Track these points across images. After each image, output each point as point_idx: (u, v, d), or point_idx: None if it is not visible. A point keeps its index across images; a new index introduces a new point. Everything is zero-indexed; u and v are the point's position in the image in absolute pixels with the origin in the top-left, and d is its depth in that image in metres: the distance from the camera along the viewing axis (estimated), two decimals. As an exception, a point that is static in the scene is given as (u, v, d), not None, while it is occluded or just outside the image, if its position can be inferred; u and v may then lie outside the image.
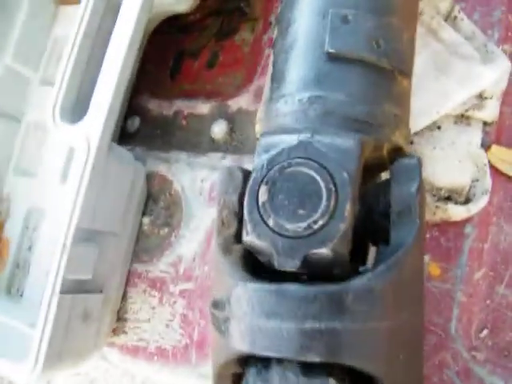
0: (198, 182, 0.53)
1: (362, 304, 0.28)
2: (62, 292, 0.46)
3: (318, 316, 0.28)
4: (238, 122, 0.54)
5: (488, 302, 0.44)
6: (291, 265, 0.29)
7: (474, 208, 0.43)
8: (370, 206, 0.33)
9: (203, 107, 0.57)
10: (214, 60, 0.60)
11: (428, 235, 0.46)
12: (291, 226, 0.29)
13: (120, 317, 0.54)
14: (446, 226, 0.45)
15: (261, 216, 0.30)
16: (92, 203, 0.47)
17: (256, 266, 0.32)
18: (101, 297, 0.50)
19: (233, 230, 0.34)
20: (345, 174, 0.30)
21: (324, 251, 0.29)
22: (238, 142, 0.54)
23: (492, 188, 0.44)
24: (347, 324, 0.28)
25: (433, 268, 0.45)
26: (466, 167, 0.43)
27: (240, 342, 0.30)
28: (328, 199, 0.29)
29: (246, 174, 0.35)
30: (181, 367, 0.50)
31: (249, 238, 0.31)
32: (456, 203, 0.43)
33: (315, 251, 0.29)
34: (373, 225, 0.33)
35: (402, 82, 0.36)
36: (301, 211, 0.30)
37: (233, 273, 0.31)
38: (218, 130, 0.54)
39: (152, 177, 0.55)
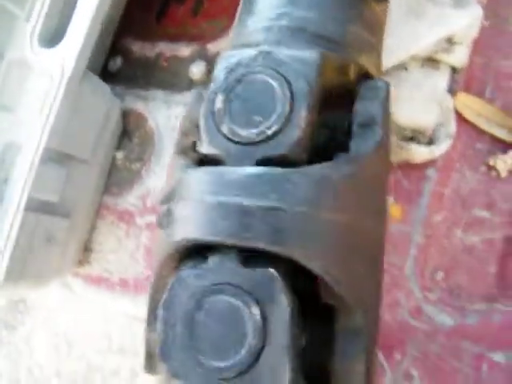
0: (173, 119, 0.53)
1: (315, 190, 0.27)
2: (27, 209, 0.45)
3: (264, 194, 0.26)
4: (216, 64, 0.54)
5: (445, 244, 0.44)
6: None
7: (437, 150, 0.43)
8: (334, 126, 0.32)
9: (185, 50, 0.57)
10: (198, 7, 0.59)
11: (391, 178, 0.46)
12: (244, 132, 0.29)
13: (87, 247, 0.54)
14: (408, 168, 0.45)
15: (215, 123, 0.30)
16: (62, 125, 0.46)
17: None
18: (66, 222, 0.50)
19: (192, 139, 0.34)
20: (302, 82, 0.29)
21: (277, 156, 0.28)
22: (215, 84, 0.54)
23: (457, 134, 0.44)
24: (295, 206, 0.26)
25: (394, 209, 0.45)
26: (430, 109, 0.43)
27: (180, 230, 0.28)
28: (283, 105, 0.28)
29: None
30: (141, 297, 0.50)
31: (203, 146, 0.30)
32: (419, 144, 0.43)
33: (265, 157, 0.28)
34: (337, 144, 0.32)
35: (374, 7, 0.35)
36: (255, 117, 0.29)
37: (184, 166, 0.31)
38: (197, 70, 0.54)
39: (129, 114, 0.55)
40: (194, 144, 0.34)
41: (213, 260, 0.27)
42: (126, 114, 0.55)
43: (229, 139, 0.29)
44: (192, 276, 0.27)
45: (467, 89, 0.46)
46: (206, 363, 0.26)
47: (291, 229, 0.26)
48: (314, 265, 0.26)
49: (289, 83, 0.29)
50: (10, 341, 1.08)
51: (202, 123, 0.30)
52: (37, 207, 0.46)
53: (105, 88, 0.52)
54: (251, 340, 0.25)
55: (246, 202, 0.26)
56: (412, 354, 0.42)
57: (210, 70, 0.54)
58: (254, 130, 0.29)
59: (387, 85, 0.32)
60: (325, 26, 0.32)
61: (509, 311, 0.41)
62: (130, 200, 0.52)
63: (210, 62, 0.54)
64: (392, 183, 0.45)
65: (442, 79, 0.44)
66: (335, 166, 0.28)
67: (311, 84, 0.29)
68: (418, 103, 0.43)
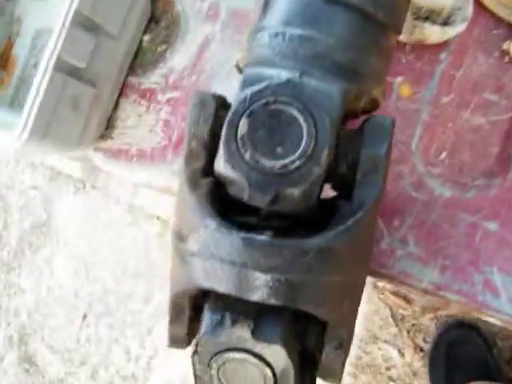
0: (198, 2, 0.53)
1: (320, 260, 0.29)
2: (56, 69, 0.47)
3: (281, 269, 0.28)
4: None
5: (451, 124, 0.44)
6: (262, 200, 0.29)
7: (451, 32, 0.43)
8: (338, 156, 0.32)
9: None
10: None
11: (404, 60, 0.46)
12: (267, 163, 0.29)
13: (110, 124, 0.55)
14: (422, 50, 0.45)
15: (238, 148, 0.30)
16: (92, -8, 0.48)
17: (222, 202, 0.32)
18: (92, 91, 0.51)
19: (201, 162, 0.33)
20: (327, 119, 0.29)
21: (295, 192, 0.29)
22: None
23: (473, 19, 0.44)
24: (305, 277, 0.29)
25: (404, 89, 0.46)
26: (449, -11, 0.43)
27: (203, 279, 0.30)
28: (308, 142, 0.29)
29: (219, 103, 0.33)
30: (157, 165, 0.51)
31: (223, 168, 0.30)
32: (434, 24, 0.43)
33: (287, 190, 0.29)
34: (338, 175, 0.33)
35: (391, 37, 0.34)
36: (279, 149, 0.29)
37: (199, 210, 0.31)
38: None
39: (157, 0, 0.56)
40: (205, 166, 0.33)
41: (230, 312, 0.31)
42: (154, 1, 0.56)
43: (250, 166, 0.29)
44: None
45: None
46: None
47: (302, 293, 0.29)
48: (318, 313, 0.31)
49: (314, 120, 0.29)
50: (34, 261, 1.13)
51: (222, 146, 0.30)
52: (65, 69, 0.48)
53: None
54: None
55: (268, 275, 0.29)
56: (410, 222, 0.43)
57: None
58: (278, 162, 0.29)
59: (393, 123, 0.32)
60: (346, 55, 0.32)
61: (507, 186, 0.42)
62: (152, 79, 0.54)
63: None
64: (403, 64, 0.45)
65: (463, -39, 0.43)
66: (338, 235, 0.30)
67: (333, 121, 0.30)
68: (437, -18, 0.43)
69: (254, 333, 0.30)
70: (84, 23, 0.48)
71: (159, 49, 0.55)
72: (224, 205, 0.32)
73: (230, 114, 0.30)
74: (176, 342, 0.36)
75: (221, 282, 0.30)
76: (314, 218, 0.33)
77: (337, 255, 0.30)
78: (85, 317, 1.11)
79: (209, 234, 0.30)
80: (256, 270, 0.29)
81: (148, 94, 0.54)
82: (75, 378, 1.09)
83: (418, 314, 0.93)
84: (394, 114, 0.45)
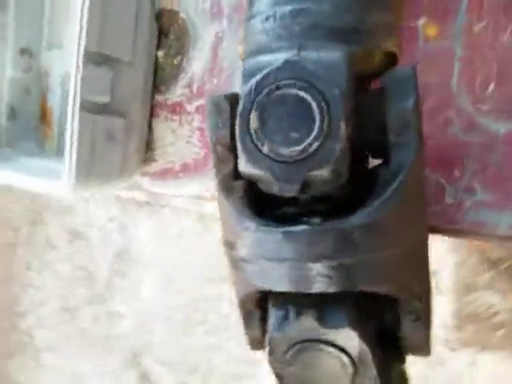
0: (200, 4, 0.52)
1: (369, 237, 0.28)
2: (82, 110, 0.48)
3: (330, 255, 0.27)
4: None
5: (491, 53, 0.40)
6: (291, 189, 0.28)
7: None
8: (363, 121, 0.30)
9: None
10: None
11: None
12: (286, 151, 0.27)
13: (149, 147, 0.56)
14: (441, -17, 0.41)
15: (254, 144, 0.28)
16: (97, 26, 0.48)
17: (261, 199, 0.31)
18: (123, 121, 0.52)
19: (231, 166, 0.33)
20: (336, 91, 0.27)
21: (323, 173, 0.27)
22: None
23: None
24: (357, 257, 0.28)
25: (430, 29, 0.42)
26: None
27: (257, 280, 0.30)
28: (321, 119, 0.27)
29: (233, 102, 0.32)
30: (203, 175, 0.51)
31: (245, 167, 0.29)
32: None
33: (314, 173, 0.27)
34: (368, 142, 0.31)
35: None
36: (294, 134, 0.27)
37: (237, 214, 0.30)
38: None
39: (162, 13, 0.55)
40: (234, 169, 0.32)
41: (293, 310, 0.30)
42: (159, 15, 0.55)
43: (272, 159, 0.28)
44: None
45: None
46: None
47: (359, 275, 0.29)
48: (381, 290, 0.30)
49: (322, 94, 0.27)
50: (124, 286, 1.18)
51: (239, 145, 0.29)
52: (91, 108, 0.49)
53: (131, -11, 0.52)
54: None
55: (318, 265, 0.28)
56: (471, 168, 0.40)
57: None
58: (296, 148, 0.27)
59: (414, 71, 0.29)
60: (345, 18, 0.29)
61: None
62: (177, 92, 0.53)
63: None
64: (424, 2, 0.42)
65: None
66: (382, 206, 0.28)
67: (344, 91, 0.27)
68: None
69: (319, 320, 0.29)
70: (96, 59, 0.48)
71: (175, 61, 0.54)
72: (265, 202, 0.31)
73: (238, 112, 0.29)
74: (255, 344, 0.36)
75: (276, 281, 0.29)
76: (359, 193, 0.31)
77: (384, 228, 0.28)
78: (183, 327, 1.14)
79: (251, 236, 0.29)
80: (305, 262, 0.28)
81: (177, 108, 0.53)
82: (190, 386, 1.13)
83: (514, 253, 0.87)
84: (425, 60, 0.42)
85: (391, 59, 0.33)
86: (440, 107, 0.41)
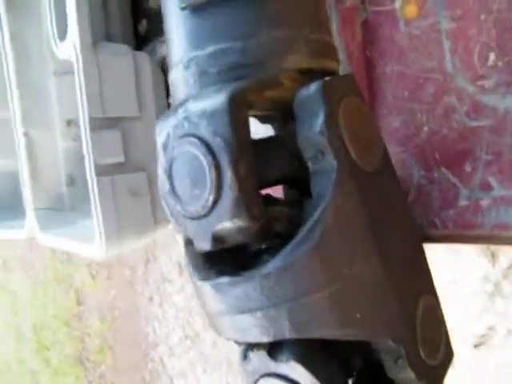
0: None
1: (287, 283, 0.25)
2: (99, 175, 0.49)
3: (253, 304, 0.26)
4: None
5: (483, 17, 0.33)
6: (204, 246, 0.26)
7: None
8: (291, 150, 0.27)
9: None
10: None
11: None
12: (192, 209, 0.26)
13: (179, 191, 0.55)
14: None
15: (169, 205, 0.28)
16: (96, 93, 0.49)
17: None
18: (143, 174, 0.52)
19: None
20: (218, 140, 0.25)
21: (228, 226, 0.25)
22: None
23: None
24: (280, 306, 0.25)
25: (409, 9, 0.36)
26: None
27: (221, 332, 0.29)
28: (210, 172, 0.25)
29: None
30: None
31: (174, 228, 0.28)
32: None
33: (218, 228, 0.25)
34: (292, 176, 0.28)
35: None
36: (195, 191, 0.26)
37: (189, 267, 0.30)
38: None
39: (165, 60, 0.55)
40: None
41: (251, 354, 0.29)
42: (163, 62, 0.55)
43: (185, 217, 0.27)
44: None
45: None
46: None
47: (291, 323, 0.25)
48: (328, 336, 0.26)
49: (208, 146, 0.25)
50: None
51: (164, 206, 0.28)
52: (108, 170, 0.49)
53: (124, 48, 0.53)
54: None
55: (246, 315, 0.26)
56: (484, 160, 0.33)
57: None
58: (198, 204, 0.26)
59: (321, 87, 0.25)
60: (227, 57, 0.27)
61: None
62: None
63: None
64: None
65: None
66: (295, 249, 0.25)
67: (228, 138, 0.25)
68: None
69: (269, 354, 0.27)
70: (102, 124, 0.49)
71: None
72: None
73: (158, 176, 0.28)
74: None
75: (223, 332, 0.28)
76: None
77: (304, 268, 0.25)
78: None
79: (197, 290, 0.28)
80: (235, 314, 0.26)
81: (192, 149, 0.52)
82: None
83: None
84: (410, 45, 0.36)
85: (310, 75, 0.27)
86: (438, 95, 0.35)
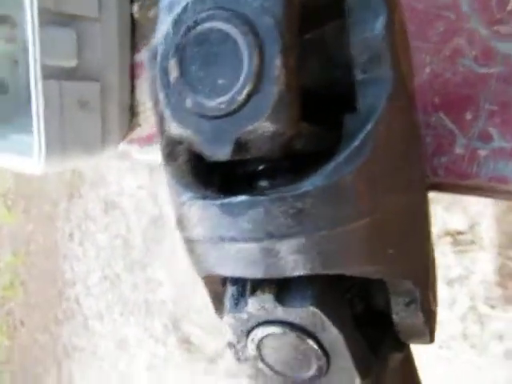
0: None
1: (327, 206, 0.21)
2: (46, 77, 0.42)
3: (277, 232, 0.21)
4: None
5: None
6: (222, 152, 0.21)
7: None
8: (328, 56, 0.23)
9: None
10: None
11: None
12: (212, 103, 0.21)
13: (133, 112, 0.49)
14: None
15: (176, 98, 0.22)
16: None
17: (208, 167, 0.25)
18: (96, 85, 0.45)
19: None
20: (267, 18, 0.20)
21: (259, 126, 0.20)
22: None
23: None
24: (312, 234, 0.21)
25: None
26: None
27: (206, 264, 0.24)
28: (250, 57, 0.20)
29: None
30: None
31: (170, 127, 0.22)
32: None
33: (248, 128, 0.20)
34: (335, 84, 0.23)
35: None
36: (220, 81, 0.21)
37: (176, 186, 0.24)
38: None
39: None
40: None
41: (250, 295, 0.24)
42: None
43: (198, 115, 0.21)
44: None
45: None
46: None
47: (318, 255, 0.21)
48: (354, 272, 0.23)
49: (251, 24, 0.20)
50: (161, 253, 1.15)
51: (162, 101, 0.22)
52: (55, 74, 0.42)
53: None
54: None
55: (263, 244, 0.21)
56: (487, 109, 0.31)
57: None
58: (223, 99, 0.20)
59: None
60: None
61: None
62: (154, 48, 0.46)
63: None
64: None
65: None
66: (341, 166, 0.21)
67: (280, 19, 0.20)
68: None
69: (278, 297, 0.23)
70: (54, 19, 0.42)
71: (151, 14, 0.47)
72: (210, 170, 0.25)
73: (157, 60, 0.22)
74: None
75: (222, 265, 0.23)
76: (324, 150, 0.24)
77: (348, 192, 0.21)
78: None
79: (187, 211, 0.23)
80: (248, 242, 0.21)
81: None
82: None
83: None
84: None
85: None
86: (447, 35, 0.32)
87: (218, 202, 0.22)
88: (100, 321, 1.27)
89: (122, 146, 0.50)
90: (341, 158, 0.21)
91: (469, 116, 0.31)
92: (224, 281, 0.28)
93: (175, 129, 0.22)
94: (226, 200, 0.22)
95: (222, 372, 1.10)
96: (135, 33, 0.48)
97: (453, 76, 0.32)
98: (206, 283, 0.28)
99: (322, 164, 0.21)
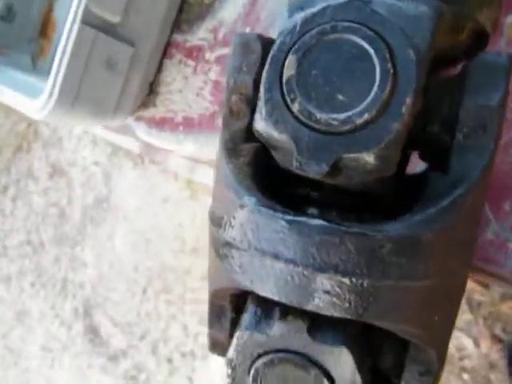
0: None
1: (401, 257, 0.20)
2: (84, 22, 0.38)
3: (344, 267, 0.20)
4: None
5: None
6: (316, 169, 0.20)
7: None
8: (428, 109, 0.22)
9: None
10: None
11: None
12: (324, 116, 0.19)
13: (153, 90, 0.46)
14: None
15: (283, 96, 0.20)
16: None
17: (270, 175, 0.23)
18: (130, 50, 0.42)
19: (244, 122, 0.24)
20: (411, 52, 0.19)
21: (364, 157, 0.19)
22: None
23: None
24: (379, 280, 0.20)
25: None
26: None
27: (240, 275, 0.22)
28: (382, 84, 0.19)
29: (267, 45, 0.23)
30: (205, 134, 0.42)
31: (262, 125, 0.21)
32: None
33: (352, 155, 0.19)
34: (427, 136, 0.23)
35: None
36: (341, 97, 0.19)
37: (237, 186, 0.22)
38: None
39: None
40: (247, 127, 0.24)
41: (278, 320, 0.22)
42: None
43: (300, 121, 0.20)
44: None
45: None
46: None
47: (372, 303, 0.20)
48: (395, 329, 0.21)
49: (391, 52, 0.19)
50: (96, 235, 1.09)
51: (262, 93, 0.21)
52: (96, 23, 0.39)
53: None
54: None
55: (324, 274, 0.20)
56: (527, 205, 0.31)
57: None
58: (338, 116, 0.19)
59: (510, 59, 0.21)
60: None
61: None
62: (200, 35, 0.44)
63: None
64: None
65: None
66: (429, 221, 0.20)
67: (422, 54, 0.19)
68: None
69: (310, 330, 0.21)
70: (116, -33, 0.39)
71: (207, 0, 0.44)
72: (277, 179, 0.23)
73: (272, 50, 0.21)
74: (217, 347, 0.28)
75: (262, 282, 0.21)
76: (391, 200, 0.23)
77: (426, 249, 0.20)
78: (144, 292, 1.06)
79: (247, 216, 0.21)
80: (308, 268, 0.20)
81: (195, 53, 0.44)
82: (137, 351, 1.05)
83: (496, 301, 0.79)
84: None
85: (479, 40, 0.25)
86: (509, 124, 0.32)
87: (288, 217, 0.20)
88: (6, 284, 1.17)
89: (127, 121, 0.46)
90: (426, 213, 0.20)
91: (507, 206, 0.31)
92: (234, 298, 0.26)
93: (267, 127, 0.20)
94: (299, 218, 0.20)
95: (120, 373, 1.04)
96: (182, 13, 0.46)
97: (501, 164, 0.32)
98: (214, 296, 0.26)
99: (393, 213, 0.21)
